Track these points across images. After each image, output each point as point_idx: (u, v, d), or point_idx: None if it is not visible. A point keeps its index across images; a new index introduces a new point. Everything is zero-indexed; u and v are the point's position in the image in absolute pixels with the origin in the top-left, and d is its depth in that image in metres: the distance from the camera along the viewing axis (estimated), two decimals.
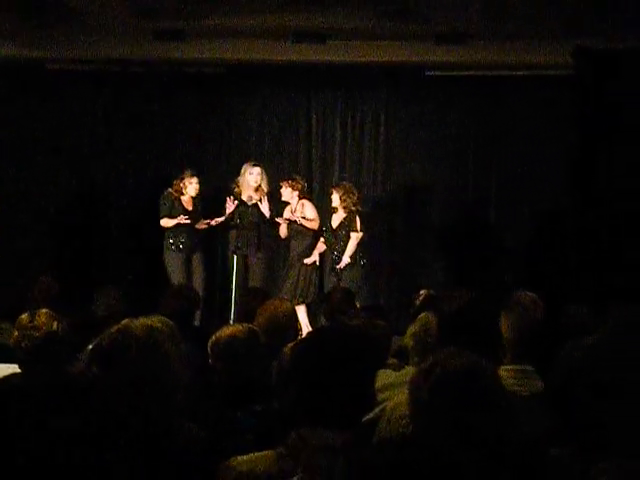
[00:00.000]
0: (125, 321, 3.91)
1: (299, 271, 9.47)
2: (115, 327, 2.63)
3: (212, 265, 9.99)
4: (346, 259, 9.33)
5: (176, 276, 9.30)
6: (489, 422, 2.20)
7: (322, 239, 9.56)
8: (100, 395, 1.35)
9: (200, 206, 9.68)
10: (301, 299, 9.34)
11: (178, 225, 9.37)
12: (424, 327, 4.26)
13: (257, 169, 9.48)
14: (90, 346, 3.18)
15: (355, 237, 9.40)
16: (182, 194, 9.53)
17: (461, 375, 2.29)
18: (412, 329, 4.34)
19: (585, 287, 8.02)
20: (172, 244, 9.42)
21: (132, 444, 1.35)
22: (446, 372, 2.29)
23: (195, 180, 9.53)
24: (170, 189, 9.53)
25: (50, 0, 8.42)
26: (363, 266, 9.49)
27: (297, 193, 9.57)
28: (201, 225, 9.59)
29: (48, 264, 10.06)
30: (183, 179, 9.52)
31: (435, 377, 2.29)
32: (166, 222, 9.44)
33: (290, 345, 3.72)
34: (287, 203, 9.67)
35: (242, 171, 9.52)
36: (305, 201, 9.62)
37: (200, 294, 7.70)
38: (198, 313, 8.11)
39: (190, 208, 9.57)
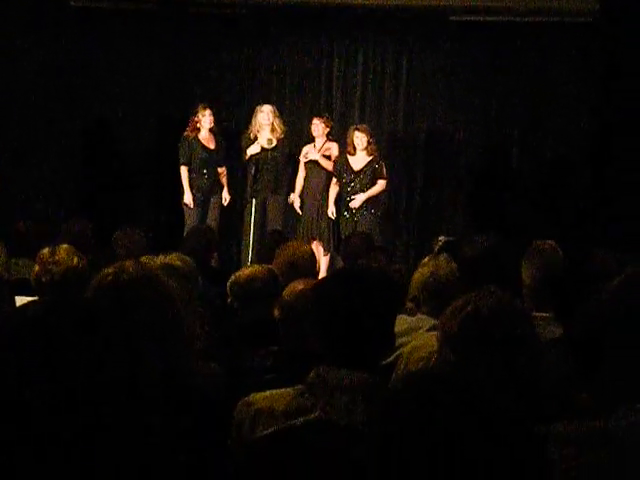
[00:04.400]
0: (144, 258, 3.94)
1: (316, 208, 9.41)
2: (110, 267, 2.59)
3: (230, 208, 9.95)
4: (362, 198, 9.20)
5: (190, 217, 9.29)
6: (518, 360, 2.20)
7: (335, 180, 9.47)
8: (118, 326, 1.34)
9: (223, 144, 9.55)
10: (314, 235, 9.30)
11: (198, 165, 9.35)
12: (432, 274, 4.21)
13: (267, 107, 9.35)
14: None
15: (383, 184, 9.32)
16: (199, 130, 9.38)
17: (493, 311, 2.29)
18: (419, 277, 4.29)
19: (609, 234, 8.00)
20: (191, 186, 9.39)
21: (152, 379, 1.35)
22: (478, 308, 2.29)
23: (208, 112, 9.32)
24: (186, 131, 9.41)
25: None
26: (380, 211, 9.43)
27: (328, 131, 9.51)
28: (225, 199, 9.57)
29: (71, 208, 10.08)
30: (196, 113, 9.36)
31: (467, 311, 2.29)
32: (184, 171, 9.37)
33: (290, 286, 3.68)
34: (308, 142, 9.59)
35: (254, 114, 9.43)
36: (334, 144, 9.53)
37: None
38: (215, 255, 8.12)
39: (212, 147, 9.43)
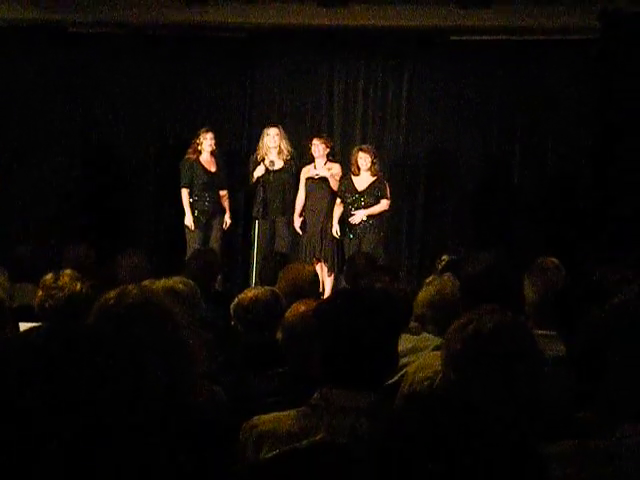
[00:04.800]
0: (146, 282, 3.94)
1: (320, 228, 9.40)
2: (113, 291, 2.59)
3: (233, 229, 9.96)
4: (362, 214, 9.18)
5: (192, 239, 9.28)
6: (519, 379, 2.20)
7: (339, 200, 9.46)
8: (121, 342, 1.35)
9: (224, 167, 9.56)
10: (319, 256, 9.29)
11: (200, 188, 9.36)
12: (438, 293, 4.21)
13: (274, 129, 9.38)
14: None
15: (386, 204, 9.30)
16: (200, 153, 9.38)
17: (494, 330, 2.28)
18: (424, 296, 4.29)
19: (611, 237, 8.00)
20: (192, 208, 9.40)
21: (156, 393, 1.35)
22: (479, 326, 2.29)
23: (210, 135, 9.35)
24: (188, 153, 9.39)
25: None
26: (383, 232, 9.42)
27: (328, 152, 9.51)
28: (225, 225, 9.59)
29: (71, 230, 10.08)
30: (198, 136, 9.38)
31: (468, 330, 2.29)
32: (185, 194, 9.36)
33: (292, 308, 3.67)
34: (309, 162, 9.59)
35: (261, 137, 9.47)
36: (336, 164, 9.53)
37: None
38: (219, 278, 8.10)
39: (213, 169, 9.44)
